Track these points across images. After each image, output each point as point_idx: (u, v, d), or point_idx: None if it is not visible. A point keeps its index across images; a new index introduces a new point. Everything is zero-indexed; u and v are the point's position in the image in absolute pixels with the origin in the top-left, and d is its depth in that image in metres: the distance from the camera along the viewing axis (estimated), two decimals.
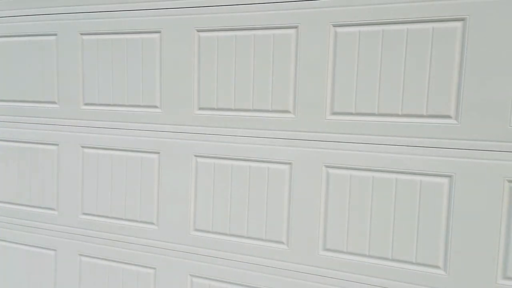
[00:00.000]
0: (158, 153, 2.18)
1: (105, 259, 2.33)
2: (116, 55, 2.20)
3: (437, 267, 1.78)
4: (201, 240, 2.15)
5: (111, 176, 2.29)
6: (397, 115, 1.79)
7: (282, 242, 2.01)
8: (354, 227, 1.88)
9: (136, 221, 2.26)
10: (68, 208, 2.41)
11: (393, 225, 1.82)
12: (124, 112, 2.21)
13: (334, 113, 1.88)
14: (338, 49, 1.84)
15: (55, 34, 2.34)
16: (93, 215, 2.36)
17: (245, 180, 2.04)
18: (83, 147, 2.34)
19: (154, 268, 2.26)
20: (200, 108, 2.10)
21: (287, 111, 1.95)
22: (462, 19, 1.67)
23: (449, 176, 1.73)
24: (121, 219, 2.29)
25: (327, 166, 1.90)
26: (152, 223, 2.24)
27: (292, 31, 1.91)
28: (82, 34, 2.28)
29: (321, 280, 1.95)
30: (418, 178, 1.77)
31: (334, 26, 1.84)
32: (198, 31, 2.07)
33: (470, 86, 1.67)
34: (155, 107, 2.17)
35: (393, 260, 1.83)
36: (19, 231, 2.55)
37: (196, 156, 2.12)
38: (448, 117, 1.72)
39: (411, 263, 1.81)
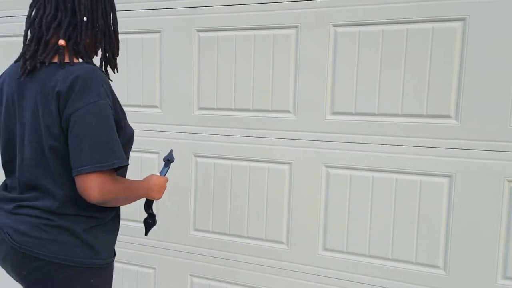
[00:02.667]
0: (158, 153, 2.18)
1: None
2: None
3: (437, 267, 1.78)
4: (201, 240, 2.15)
5: None
6: (397, 115, 1.79)
7: (282, 242, 2.01)
8: (354, 227, 1.88)
9: (136, 221, 2.26)
10: None
11: (393, 225, 1.82)
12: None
13: (334, 113, 1.88)
14: (338, 49, 1.84)
15: None
16: None
17: (245, 180, 2.04)
18: None
19: (154, 268, 2.26)
20: (200, 108, 2.10)
21: (287, 111, 1.95)
22: (462, 19, 1.67)
23: (449, 176, 1.73)
24: (121, 219, 2.29)
25: (327, 166, 1.90)
26: None
27: (292, 31, 1.91)
28: None
29: (321, 280, 1.95)
30: (418, 178, 1.77)
31: (334, 26, 1.84)
32: (198, 31, 2.07)
33: (470, 86, 1.67)
34: (155, 107, 2.17)
35: (393, 260, 1.83)
36: None
37: (196, 156, 2.12)
38: (448, 117, 1.72)
39: (411, 263, 1.81)
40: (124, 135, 1.31)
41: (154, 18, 2.13)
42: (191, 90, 2.10)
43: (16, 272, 1.27)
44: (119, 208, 1.43)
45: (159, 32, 2.13)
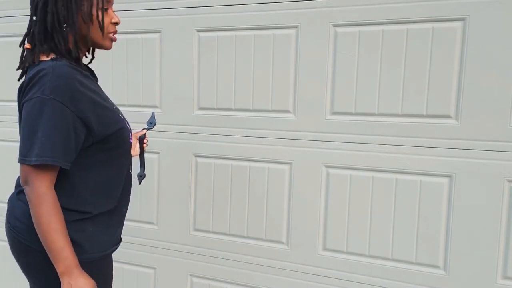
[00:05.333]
0: (158, 153, 2.18)
1: None
2: (116, 55, 2.20)
3: (437, 267, 1.78)
4: (201, 240, 2.15)
5: None
6: (397, 115, 1.79)
7: (282, 242, 2.01)
8: (354, 227, 1.88)
9: (136, 221, 2.26)
10: None
11: (393, 225, 1.82)
12: (124, 112, 2.20)
13: (334, 113, 1.88)
14: (338, 49, 1.84)
15: None
16: None
17: (245, 180, 2.04)
18: None
19: (154, 268, 2.26)
20: (200, 108, 2.10)
21: (287, 111, 1.95)
22: (462, 19, 1.67)
23: (449, 176, 1.73)
24: None
25: (327, 166, 1.90)
26: (152, 223, 2.24)
27: (292, 31, 1.91)
28: None
29: (321, 280, 1.95)
30: (418, 178, 1.77)
31: (334, 26, 1.84)
32: (198, 31, 2.07)
33: (470, 86, 1.67)
34: (155, 107, 2.16)
35: (393, 260, 1.83)
36: None
37: (196, 156, 2.12)
38: (448, 117, 1.72)
39: (411, 263, 1.81)
40: (103, 136, 1.29)
41: (154, 18, 2.13)
42: (191, 90, 2.10)
43: (12, 253, 1.35)
44: (118, 203, 1.39)
45: (159, 32, 2.13)
